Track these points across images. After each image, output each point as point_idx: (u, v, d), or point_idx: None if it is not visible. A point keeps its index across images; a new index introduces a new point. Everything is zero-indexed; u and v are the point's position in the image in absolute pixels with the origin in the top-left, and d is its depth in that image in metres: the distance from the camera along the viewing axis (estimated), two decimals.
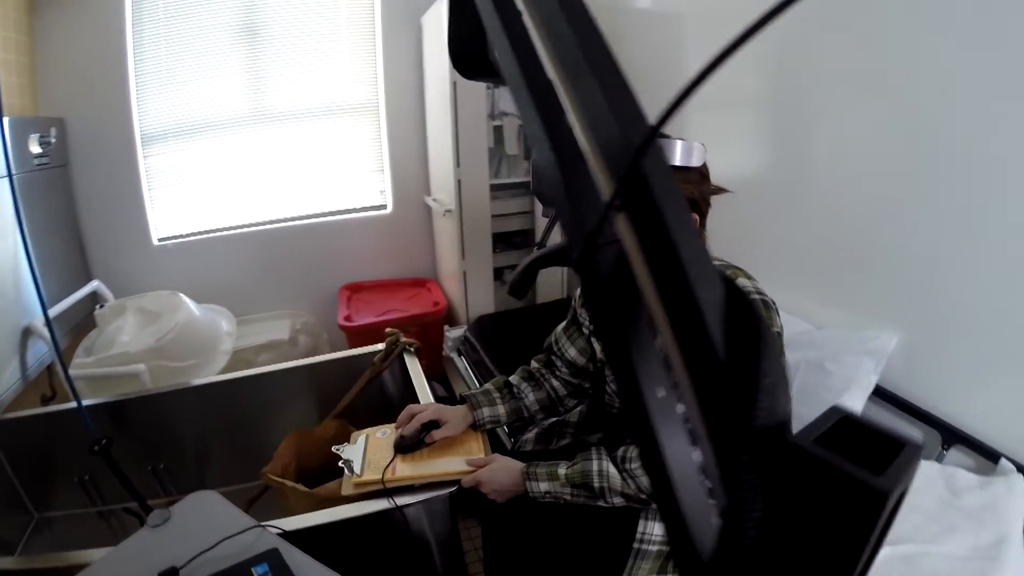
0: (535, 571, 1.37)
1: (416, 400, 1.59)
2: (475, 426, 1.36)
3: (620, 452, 1.19)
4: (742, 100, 1.93)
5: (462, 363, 2.42)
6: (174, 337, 1.88)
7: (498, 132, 2.52)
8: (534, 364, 1.48)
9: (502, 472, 1.23)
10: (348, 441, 1.38)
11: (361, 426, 1.46)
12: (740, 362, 0.31)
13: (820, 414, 0.31)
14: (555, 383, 1.44)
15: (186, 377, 1.82)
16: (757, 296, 1.10)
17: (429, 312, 2.73)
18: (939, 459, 1.56)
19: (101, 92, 2.31)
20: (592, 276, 0.34)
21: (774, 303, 1.08)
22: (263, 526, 1.03)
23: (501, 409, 1.38)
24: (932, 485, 1.40)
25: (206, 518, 1.06)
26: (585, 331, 1.39)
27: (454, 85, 2.23)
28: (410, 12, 2.56)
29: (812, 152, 1.80)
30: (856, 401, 1.62)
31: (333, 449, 1.33)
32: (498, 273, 2.80)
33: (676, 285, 0.31)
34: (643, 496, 1.14)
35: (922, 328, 1.57)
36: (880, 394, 1.64)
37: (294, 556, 0.96)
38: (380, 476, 1.21)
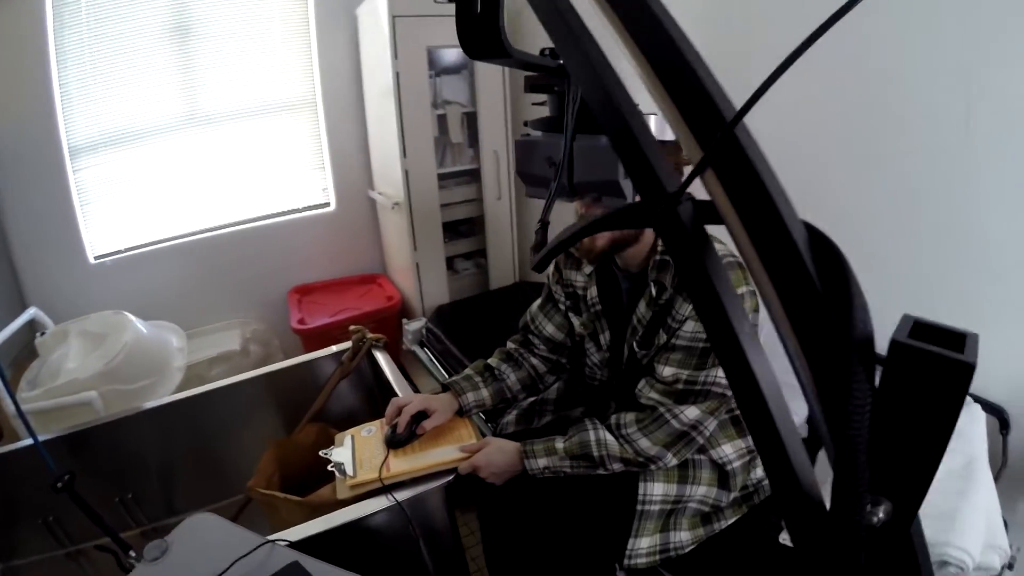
0: (536, 550, 1.40)
1: (392, 395, 1.57)
2: (461, 412, 1.38)
3: (613, 420, 1.23)
4: None
5: (426, 355, 2.40)
6: (123, 359, 1.78)
7: (442, 121, 2.50)
8: (511, 345, 1.50)
9: (498, 454, 1.25)
10: (333, 444, 1.35)
11: (338, 429, 1.44)
12: (831, 288, 0.36)
13: (898, 323, 0.37)
14: (534, 361, 1.47)
15: (141, 400, 1.72)
16: (732, 258, 1.16)
17: (384, 307, 2.70)
18: None
19: (22, 103, 2.15)
20: (675, 228, 0.38)
21: (744, 265, 1.14)
22: (273, 541, 1.00)
23: (485, 392, 1.40)
24: None
25: (207, 542, 1.02)
26: (561, 307, 1.43)
27: (397, 76, 2.20)
28: (345, 4, 2.50)
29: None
30: None
31: (321, 453, 1.31)
32: (450, 263, 2.81)
33: (770, 229, 0.36)
34: (641, 459, 1.19)
35: (872, 282, 1.68)
36: None
37: (315, 566, 0.94)
38: (377, 475, 1.20)
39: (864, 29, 1.48)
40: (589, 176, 0.96)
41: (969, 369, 0.32)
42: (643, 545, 1.22)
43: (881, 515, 0.36)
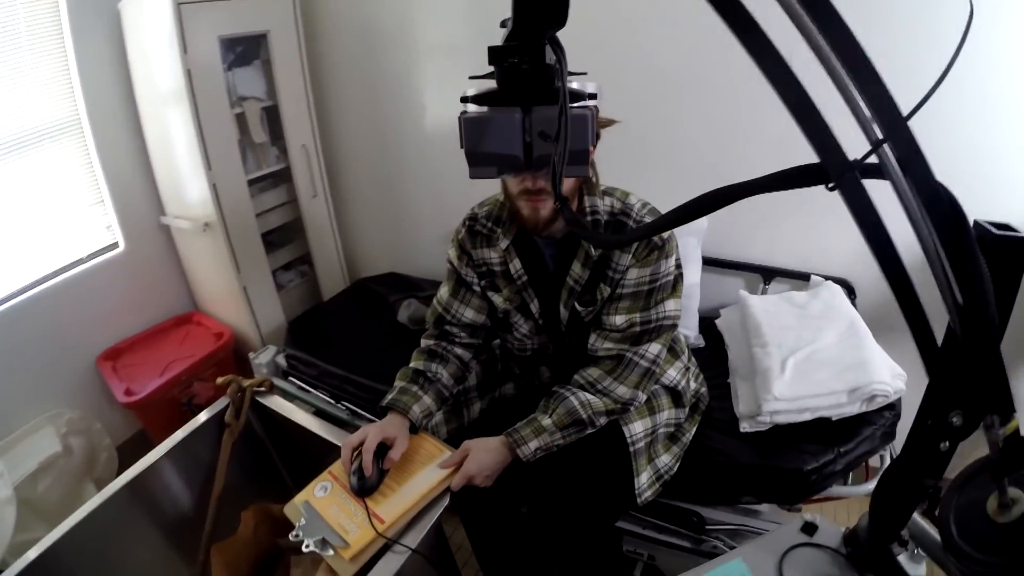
0: (532, 535, 1.41)
1: (307, 442, 1.43)
2: (414, 429, 1.31)
3: (581, 380, 1.29)
4: None
5: (294, 386, 2.14)
6: None
7: (241, 120, 2.20)
8: (428, 342, 1.46)
9: (484, 454, 1.23)
10: (287, 524, 1.18)
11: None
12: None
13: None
14: (458, 351, 1.45)
15: None
16: (646, 210, 1.26)
17: (217, 348, 2.41)
18: (763, 292, 1.99)
19: None
20: (856, 191, 0.48)
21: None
22: None
23: (427, 399, 1.35)
24: (782, 309, 1.80)
25: None
26: (476, 289, 1.42)
27: (188, 74, 1.86)
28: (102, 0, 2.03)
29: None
30: (693, 273, 1.96)
31: (290, 537, 1.13)
32: (273, 276, 2.58)
33: (933, 194, 0.48)
34: (619, 405, 1.28)
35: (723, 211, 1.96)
36: (708, 262, 2.01)
37: None
38: (373, 533, 1.09)
39: None
40: (575, 145, 0.95)
41: None
42: (643, 480, 1.33)
43: None
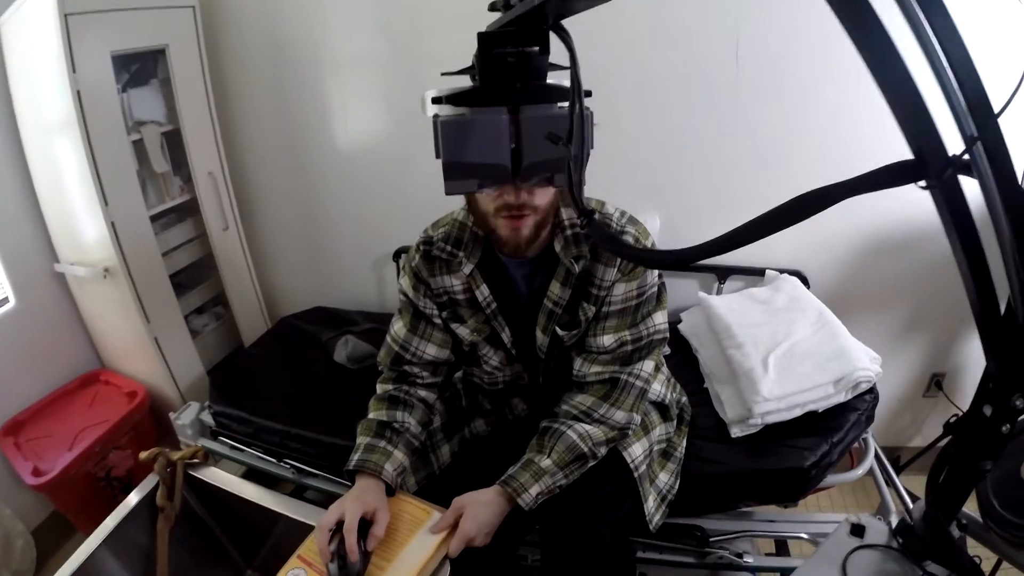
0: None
1: (254, 514, 1.28)
2: (390, 491, 1.16)
3: (572, 410, 1.20)
4: None
5: (228, 447, 1.90)
6: None
7: (139, 148, 1.95)
8: (387, 387, 1.30)
9: (481, 510, 1.10)
10: None
11: None
12: None
13: None
14: (421, 394, 1.32)
15: None
16: (626, 218, 1.19)
17: (132, 410, 2.12)
18: (719, 292, 2.00)
19: None
20: (954, 189, 0.46)
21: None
22: None
23: (399, 454, 1.20)
24: (747, 307, 1.81)
25: None
26: (437, 321, 1.28)
27: (78, 96, 1.61)
28: None
29: None
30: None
31: None
32: (186, 321, 2.31)
33: (1015, 191, 0.48)
34: (616, 432, 1.19)
35: (676, 208, 1.98)
36: None
37: None
38: None
39: None
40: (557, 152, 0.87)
41: None
42: (651, 505, 1.27)
43: None
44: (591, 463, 1.17)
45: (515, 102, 0.78)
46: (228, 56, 2.18)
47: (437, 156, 0.80)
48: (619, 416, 1.18)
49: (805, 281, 1.92)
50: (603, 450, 1.18)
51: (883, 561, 0.88)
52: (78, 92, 1.64)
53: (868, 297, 2.00)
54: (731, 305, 1.80)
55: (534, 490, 1.11)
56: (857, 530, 0.92)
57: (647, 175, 1.99)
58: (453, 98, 0.79)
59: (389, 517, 1.09)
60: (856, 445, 1.59)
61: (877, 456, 1.61)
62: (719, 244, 0.58)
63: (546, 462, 1.13)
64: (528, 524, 1.24)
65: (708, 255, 0.62)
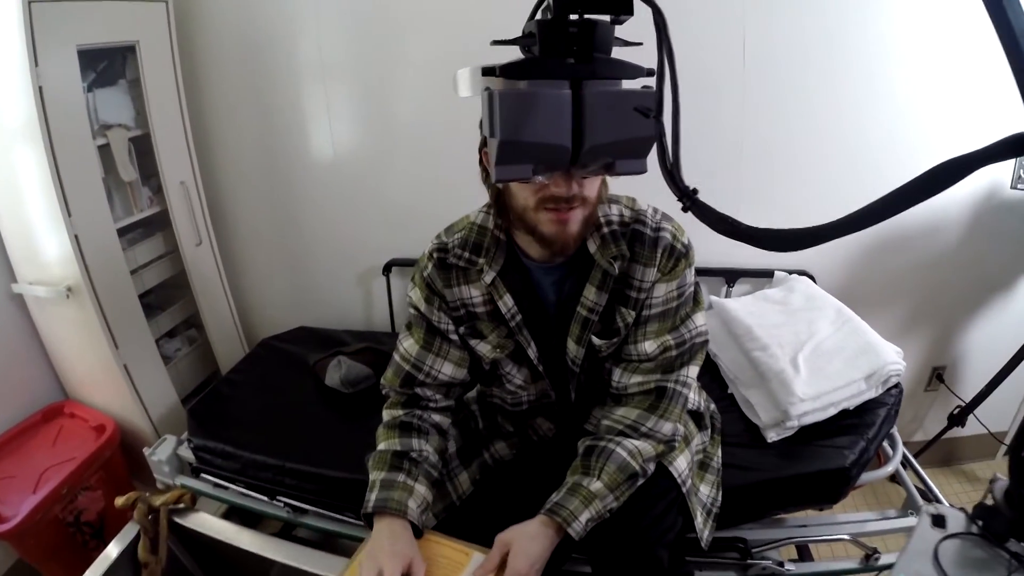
0: None
1: (247, 562, 1.19)
2: (419, 534, 1.05)
3: (616, 425, 1.11)
4: None
5: (210, 484, 1.72)
6: None
7: (105, 154, 1.79)
8: (397, 412, 1.18)
9: (528, 543, 0.99)
10: None
11: None
12: None
13: None
14: (435, 418, 1.20)
15: None
16: (659, 215, 1.11)
17: (101, 446, 1.93)
18: (727, 295, 1.96)
19: None
20: None
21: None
22: None
23: (421, 488, 1.09)
24: (764, 308, 1.77)
25: None
26: (454, 337, 1.17)
27: (40, 93, 1.45)
28: None
29: None
30: None
31: None
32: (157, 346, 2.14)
33: None
34: (664, 445, 1.11)
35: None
36: None
37: None
38: None
39: None
40: (640, 131, 0.81)
41: None
42: (699, 521, 1.19)
43: None
44: (640, 482, 1.08)
45: (581, 76, 0.70)
46: (202, 55, 2.04)
47: (490, 135, 0.71)
48: (667, 428, 1.09)
49: (813, 279, 1.91)
50: (652, 466, 1.10)
51: (968, 548, 0.89)
52: (40, 88, 1.48)
53: (870, 294, 2.00)
54: (747, 308, 1.76)
55: (584, 517, 1.00)
56: (939, 520, 0.93)
57: (654, 175, 1.95)
58: (509, 69, 0.71)
59: (425, 566, 0.99)
60: None
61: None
62: (856, 220, 0.52)
63: (596, 485, 1.03)
64: (568, 554, 1.14)
65: (847, 231, 0.55)
